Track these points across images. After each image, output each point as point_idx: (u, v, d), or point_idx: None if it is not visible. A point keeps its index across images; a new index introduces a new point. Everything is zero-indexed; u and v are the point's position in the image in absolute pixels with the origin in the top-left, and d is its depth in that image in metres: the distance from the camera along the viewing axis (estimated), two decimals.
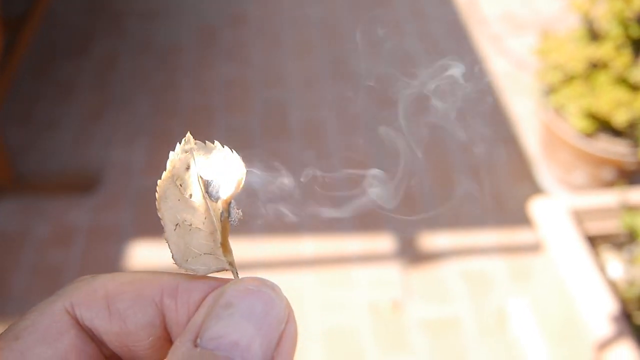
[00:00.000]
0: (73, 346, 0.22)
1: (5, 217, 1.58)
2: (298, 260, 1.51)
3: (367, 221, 1.59)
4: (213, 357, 0.19)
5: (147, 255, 1.50)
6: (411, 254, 1.53)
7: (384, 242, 1.55)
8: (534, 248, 1.51)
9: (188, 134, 0.25)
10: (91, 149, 1.77)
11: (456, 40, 2.22)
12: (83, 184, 1.65)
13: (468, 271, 1.50)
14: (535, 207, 1.20)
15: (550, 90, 1.51)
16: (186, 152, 0.24)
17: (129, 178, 1.69)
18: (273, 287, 0.22)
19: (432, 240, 1.56)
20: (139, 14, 2.29)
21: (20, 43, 1.66)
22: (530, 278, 1.47)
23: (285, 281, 1.46)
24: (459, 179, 1.72)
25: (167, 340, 0.23)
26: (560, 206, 1.19)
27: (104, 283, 0.23)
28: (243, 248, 1.50)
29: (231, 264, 0.24)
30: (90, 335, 0.22)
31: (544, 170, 1.68)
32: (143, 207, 1.62)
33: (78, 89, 1.97)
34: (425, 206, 1.64)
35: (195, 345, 0.20)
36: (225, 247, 0.24)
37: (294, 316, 0.22)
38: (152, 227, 1.57)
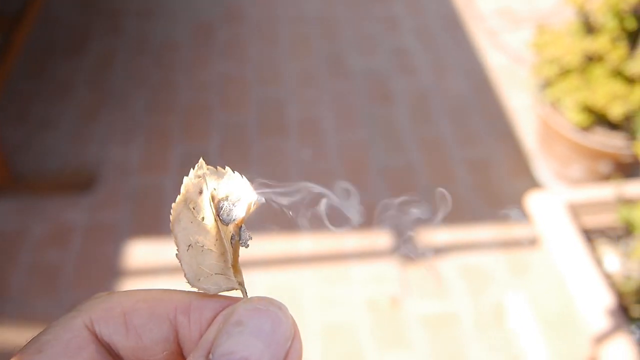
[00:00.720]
0: None
1: (2, 217, 1.58)
2: (296, 257, 1.51)
3: (364, 218, 1.59)
4: None
5: (144, 253, 1.50)
6: (409, 250, 1.53)
7: (382, 239, 1.55)
8: (531, 242, 1.51)
9: (201, 160, 0.26)
10: (88, 147, 1.77)
11: (453, 35, 2.21)
12: (80, 182, 1.65)
13: (466, 266, 1.50)
14: (532, 201, 1.20)
15: (547, 84, 1.50)
16: (199, 177, 0.25)
17: (125, 176, 1.69)
18: (280, 307, 0.23)
19: (430, 235, 1.56)
20: (134, 12, 2.29)
21: (15, 42, 1.66)
22: (528, 272, 1.47)
23: (283, 278, 1.46)
24: (457, 174, 1.72)
25: (179, 355, 0.24)
26: (556, 200, 1.19)
27: (121, 300, 0.24)
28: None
29: (241, 284, 0.26)
30: (108, 350, 0.24)
31: (541, 165, 1.68)
32: (140, 205, 1.61)
33: (74, 87, 1.97)
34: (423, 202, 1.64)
35: None
36: (236, 268, 0.25)
37: (299, 334, 0.23)
38: (149, 226, 1.57)
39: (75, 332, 0.23)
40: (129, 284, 1.44)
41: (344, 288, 1.45)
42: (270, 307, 0.23)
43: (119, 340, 0.24)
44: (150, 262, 1.49)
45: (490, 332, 1.37)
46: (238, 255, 0.25)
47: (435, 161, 1.76)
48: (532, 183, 1.68)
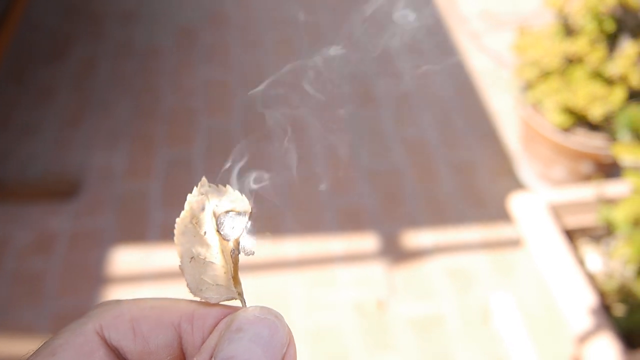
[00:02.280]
0: None
1: None
2: (282, 261, 1.51)
3: (350, 221, 1.59)
4: None
5: (129, 260, 1.49)
6: (395, 253, 1.54)
7: (368, 242, 1.55)
8: (515, 243, 1.52)
9: (203, 178, 0.28)
10: (71, 153, 1.75)
11: (435, 37, 2.23)
12: (63, 189, 1.64)
13: (451, 268, 1.51)
14: (515, 202, 1.21)
15: (528, 86, 1.52)
16: (202, 194, 0.28)
17: (110, 183, 1.68)
18: (276, 316, 0.25)
19: (415, 238, 1.57)
20: (117, 17, 2.28)
21: None
22: (513, 273, 1.48)
23: (270, 282, 1.46)
24: (441, 176, 1.73)
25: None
26: (538, 201, 1.20)
27: (129, 308, 0.26)
28: None
29: (240, 294, 0.28)
30: (116, 354, 0.26)
31: (524, 166, 1.69)
32: (124, 211, 1.60)
33: (57, 93, 1.95)
34: (409, 204, 1.65)
35: None
36: (236, 280, 0.27)
37: (294, 341, 0.25)
38: (134, 232, 1.56)
39: (86, 337, 0.25)
40: (114, 291, 1.43)
41: (330, 291, 1.45)
42: (268, 316, 0.25)
43: (127, 345, 0.25)
44: (135, 269, 1.48)
45: (476, 333, 1.38)
46: (238, 268, 0.27)
47: (420, 163, 1.77)
48: (516, 184, 1.70)
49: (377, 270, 1.49)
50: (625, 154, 1.03)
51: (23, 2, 1.81)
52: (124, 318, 0.26)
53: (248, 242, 0.27)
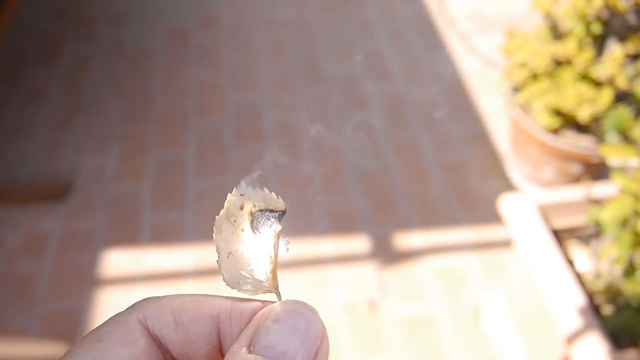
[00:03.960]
0: (145, 351, 0.26)
1: None
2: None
3: (341, 222, 1.60)
4: None
5: (120, 262, 1.49)
6: (386, 254, 1.54)
7: (359, 243, 1.56)
8: (505, 244, 1.54)
9: (242, 181, 0.30)
10: (62, 155, 1.75)
11: (426, 39, 2.24)
12: (54, 191, 1.63)
13: (442, 268, 1.52)
14: (504, 203, 1.22)
15: (517, 88, 1.53)
16: (241, 195, 0.30)
17: (101, 185, 1.67)
18: (312, 310, 0.27)
19: (406, 239, 1.58)
20: (108, 18, 2.27)
21: None
22: (503, 273, 1.49)
23: None
24: (432, 177, 1.74)
25: (219, 350, 0.28)
26: (528, 202, 1.21)
27: (171, 300, 0.28)
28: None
29: (276, 288, 0.30)
30: (158, 344, 0.27)
31: (514, 167, 1.71)
32: (116, 214, 1.60)
33: (48, 94, 1.94)
34: (399, 205, 1.66)
35: (249, 352, 0.25)
36: (274, 274, 0.30)
37: (327, 335, 0.27)
38: (125, 234, 1.55)
39: (130, 326, 0.26)
40: (105, 294, 1.43)
41: (321, 292, 1.46)
42: (304, 310, 0.27)
43: (169, 334, 0.27)
44: (126, 271, 1.48)
45: (467, 334, 1.39)
46: (276, 263, 0.30)
47: (410, 164, 1.77)
48: (506, 185, 1.71)
49: (369, 271, 1.50)
50: (613, 154, 1.05)
51: (13, 2, 1.80)
52: (166, 310, 0.27)
53: (281, 240, 0.30)
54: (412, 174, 1.75)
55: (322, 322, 0.27)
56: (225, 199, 0.30)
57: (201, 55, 2.14)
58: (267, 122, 1.88)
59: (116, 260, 1.49)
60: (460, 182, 1.73)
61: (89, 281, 1.45)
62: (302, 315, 0.26)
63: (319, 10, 2.36)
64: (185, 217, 1.58)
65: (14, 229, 1.55)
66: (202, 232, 1.55)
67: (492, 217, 1.60)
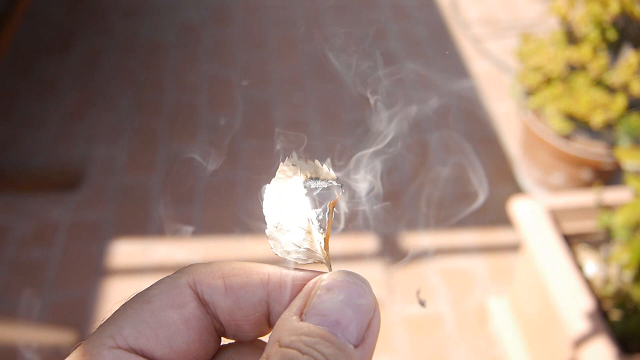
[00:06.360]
0: (194, 314, 0.26)
1: None
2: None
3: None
4: (318, 330, 0.24)
5: (128, 252, 1.50)
6: (393, 254, 1.54)
7: (366, 243, 1.56)
8: (514, 247, 1.53)
9: (293, 152, 0.30)
10: (73, 146, 1.76)
11: (439, 42, 2.24)
12: (65, 181, 1.64)
13: (449, 270, 1.52)
14: (515, 207, 1.22)
15: (530, 92, 1.53)
16: (292, 165, 0.29)
17: (111, 175, 1.68)
18: (365, 282, 0.26)
19: (414, 240, 1.58)
20: (122, 12, 2.28)
21: (1, 40, 1.64)
22: (510, 277, 1.49)
23: None
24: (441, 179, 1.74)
25: (266, 318, 0.27)
26: (538, 206, 1.21)
27: (221, 266, 0.27)
28: (229, 250, 1.51)
29: (327, 258, 0.29)
30: (206, 308, 0.27)
31: (524, 171, 1.70)
32: (125, 204, 1.61)
33: (60, 86, 1.95)
34: (408, 205, 1.66)
35: (301, 320, 0.24)
36: (327, 244, 0.29)
37: (378, 307, 0.26)
38: (134, 225, 1.56)
39: (180, 289, 0.26)
40: (113, 283, 1.43)
41: None
42: (358, 281, 0.26)
43: (218, 299, 0.27)
44: (134, 261, 1.48)
45: (472, 335, 1.39)
46: (330, 232, 0.29)
47: (420, 166, 1.77)
48: (516, 189, 1.71)
49: (376, 271, 1.50)
50: (628, 158, 1.05)
51: None
52: (216, 275, 0.27)
53: (333, 213, 0.29)
54: (421, 175, 1.75)
55: (375, 295, 0.26)
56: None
57: (213, 51, 2.14)
58: (277, 118, 1.89)
59: (124, 250, 1.50)
60: (470, 184, 1.73)
61: (97, 270, 1.46)
62: (357, 286, 0.26)
63: (332, 11, 2.36)
64: (194, 210, 1.59)
65: (25, 217, 1.56)
66: (210, 224, 1.56)
67: (501, 220, 1.59)
